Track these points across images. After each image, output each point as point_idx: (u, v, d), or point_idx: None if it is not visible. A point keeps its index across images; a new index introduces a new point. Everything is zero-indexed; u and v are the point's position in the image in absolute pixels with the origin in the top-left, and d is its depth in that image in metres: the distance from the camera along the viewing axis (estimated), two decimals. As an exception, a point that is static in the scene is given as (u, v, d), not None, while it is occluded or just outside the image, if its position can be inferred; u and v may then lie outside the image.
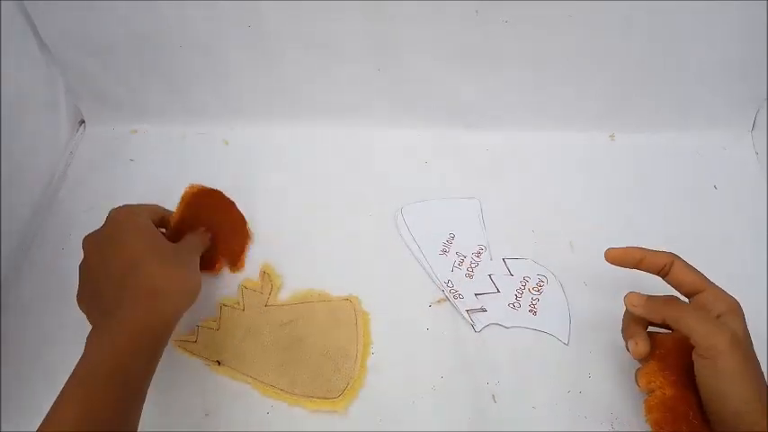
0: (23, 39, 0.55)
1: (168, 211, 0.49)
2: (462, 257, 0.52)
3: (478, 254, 0.52)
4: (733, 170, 0.57)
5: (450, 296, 0.49)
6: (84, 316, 0.51)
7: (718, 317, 0.38)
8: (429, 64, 0.56)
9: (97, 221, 0.57)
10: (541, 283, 0.50)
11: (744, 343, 0.36)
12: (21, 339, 0.50)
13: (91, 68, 0.59)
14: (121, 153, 0.62)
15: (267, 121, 0.62)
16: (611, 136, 0.60)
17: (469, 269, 0.51)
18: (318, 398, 0.45)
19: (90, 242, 0.43)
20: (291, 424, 0.44)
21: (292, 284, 0.51)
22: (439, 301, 0.50)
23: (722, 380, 0.35)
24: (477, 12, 0.51)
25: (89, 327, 0.49)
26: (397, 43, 0.55)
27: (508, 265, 0.51)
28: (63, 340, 0.49)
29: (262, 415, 0.45)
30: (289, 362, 0.47)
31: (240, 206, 0.57)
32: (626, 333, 0.41)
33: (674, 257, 0.41)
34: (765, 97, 0.57)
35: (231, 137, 0.63)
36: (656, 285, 0.50)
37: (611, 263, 0.43)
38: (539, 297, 0.49)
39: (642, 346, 0.39)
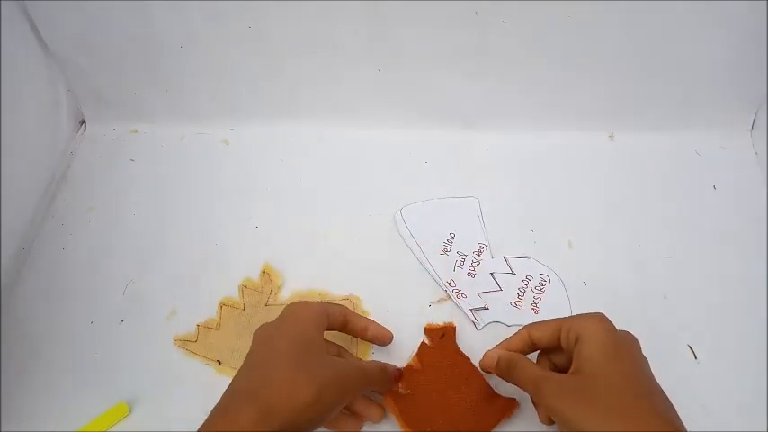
0: (24, 39, 0.55)
1: (359, 317, 0.44)
2: (464, 256, 0.52)
3: (479, 252, 0.52)
4: (733, 170, 0.57)
5: (454, 295, 0.49)
6: (82, 309, 0.51)
7: (575, 344, 0.36)
8: (429, 64, 0.56)
9: (97, 221, 0.57)
10: (544, 282, 0.50)
11: (590, 388, 0.33)
12: (21, 339, 0.50)
13: (91, 68, 0.59)
14: (121, 153, 0.62)
15: (267, 121, 0.62)
16: (611, 136, 0.60)
17: (471, 268, 0.51)
18: (319, 397, 0.45)
19: (258, 331, 0.40)
20: (292, 424, 0.44)
21: (293, 284, 0.51)
22: (439, 301, 0.50)
23: None
24: (476, 12, 0.51)
25: (89, 326, 0.50)
26: (396, 43, 0.55)
27: (510, 264, 0.51)
28: (63, 340, 0.49)
29: (262, 415, 0.45)
30: (289, 361, 0.47)
31: (240, 206, 0.57)
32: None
33: (527, 329, 0.40)
34: (765, 97, 0.57)
35: (231, 137, 0.63)
36: (657, 290, 0.50)
37: (487, 371, 0.42)
38: (541, 296, 0.49)
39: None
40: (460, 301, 0.49)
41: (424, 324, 0.47)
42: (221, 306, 0.50)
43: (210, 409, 0.45)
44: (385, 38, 0.54)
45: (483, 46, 0.54)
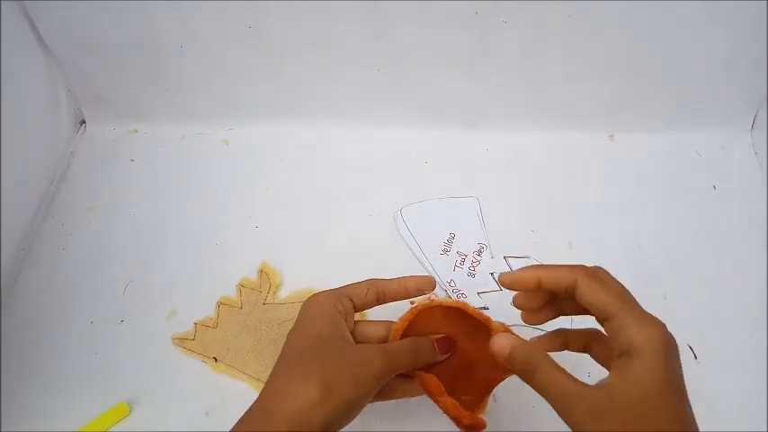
0: (24, 39, 0.55)
1: (390, 282, 0.39)
2: (463, 256, 0.52)
3: (479, 252, 0.52)
4: (732, 170, 0.57)
5: (454, 295, 0.49)
6: (82, 309, 0.51)
7: (621, 356, 0.29)
8: (429, 64, 0.56)
9: (97, 221, 0.57)
10: (542, 283, 0.50)
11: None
12: (21, 340, 0.50)
13: (91, 68, 0.59)
14: (121, 153, 0.62)
15: (267, 122, 0.62)
16: (611, 136, 0.60)
17: (471, 268, 0.51)
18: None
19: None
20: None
21: (292, 284, 0.51)
22: (439, 301, 0.50)
23: None
24: (476, 12, 0.51)
25: (89, 326, 0.50)
26: (397, 44, 0.55)
27: (510, 264, 0.51)
28: (63, 340, 0.49)
29: (262, 415, 0.45)
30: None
31: (240, 206, 0.57)
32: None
33: (579, 274, 0.31)
34: (765, 97, 0.57)
35: (231, 137, 0.63)
36: (657, 290, 0.50)
37: (508, 288, 0.34)
38: (540, 296, 0.49)
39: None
40: (460, 301, 0.49)
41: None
42: (219, 305, 0.50)
43: (210, 409, 0.45)
44: (385, 38, 0.54)
45: (483, 46, 0.54)
